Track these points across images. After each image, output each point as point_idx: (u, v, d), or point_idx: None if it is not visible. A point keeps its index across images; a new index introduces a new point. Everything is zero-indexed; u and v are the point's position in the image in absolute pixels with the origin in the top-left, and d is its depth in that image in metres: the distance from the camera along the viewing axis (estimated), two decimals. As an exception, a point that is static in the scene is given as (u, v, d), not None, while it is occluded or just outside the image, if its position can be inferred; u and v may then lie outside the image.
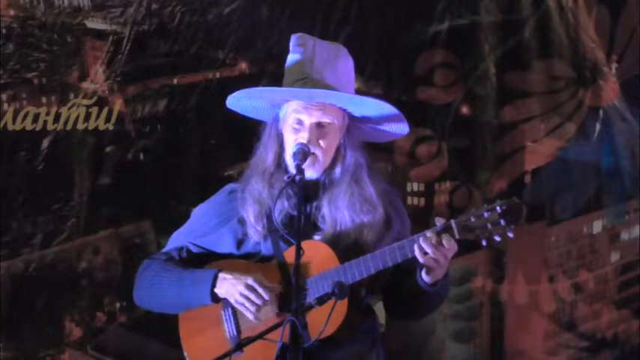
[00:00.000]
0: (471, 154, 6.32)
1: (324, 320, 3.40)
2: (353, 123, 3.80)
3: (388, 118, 3.78)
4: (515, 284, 6.32)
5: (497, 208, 3.50)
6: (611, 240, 6.45)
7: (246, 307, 3.65)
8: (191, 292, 3.73)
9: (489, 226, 3.50)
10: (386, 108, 3.74)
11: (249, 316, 3.66)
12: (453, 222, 3.54)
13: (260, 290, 3.63)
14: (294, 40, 3.82)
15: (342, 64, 3.81)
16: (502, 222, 3.49)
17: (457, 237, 3.54)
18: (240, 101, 3.84)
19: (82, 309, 6.03)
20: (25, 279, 5.95)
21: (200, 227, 3.88)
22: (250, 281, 3.64)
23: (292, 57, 3.79)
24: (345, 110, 3.76)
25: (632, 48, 6.31)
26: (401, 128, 3.81)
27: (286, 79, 3.79)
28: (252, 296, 3.64)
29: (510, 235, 3.51)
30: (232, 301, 3.67)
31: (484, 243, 3.53)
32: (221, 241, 3.83)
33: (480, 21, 6.24)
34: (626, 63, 6.33)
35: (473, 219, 3.51)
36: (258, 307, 3.64)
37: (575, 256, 6.42)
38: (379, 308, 3.90)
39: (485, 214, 3.50)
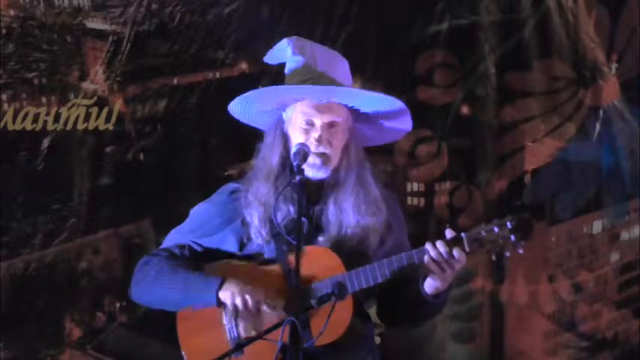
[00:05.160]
0: (471, 154, 6.32)
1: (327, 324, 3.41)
2: (355, 124, 3.78)
3: (394, 114, 3.76)
4: (515, 284, 6.32)
5: (508, 223, 3.50)
6: (611, 240, 6.44)
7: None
8: (196, 293, 3.68)
9: (500, 241, 3.50)
10: (397, 104, 3.71)
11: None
12: (463, 235, 3.53)
13: (264, 308, 3.62)
14: (290, 43, 3.78)
15: (341, 65, 3.80)
16: (512, 238, 3.49)
17: (467, 250, 3.53)
18: (247, 104, 3.78)
19: (82, 309, 6.03)
20: (25, 279, 5.94)
21: (202, 227, 3.84)
22: (259, 297, 3.62)
23: (294, 58, 3.75)
24: (352, 110, 3.74)
25: (632, 48, 6.32)
26: (405, 125, 3.79)
27: (292, 79, 3.74)
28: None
29: (520, 251, 3.52)
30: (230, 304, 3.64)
31: (494, 257, 3.54)
32: (224, 241, 3.80)
33: (480, 21, 6.24)
34: (626, 63, 6.33)
35: (483, 233, 3.51)
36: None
37: (575, 256, 6.42)
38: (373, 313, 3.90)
39: (496, 230, 3.50)
